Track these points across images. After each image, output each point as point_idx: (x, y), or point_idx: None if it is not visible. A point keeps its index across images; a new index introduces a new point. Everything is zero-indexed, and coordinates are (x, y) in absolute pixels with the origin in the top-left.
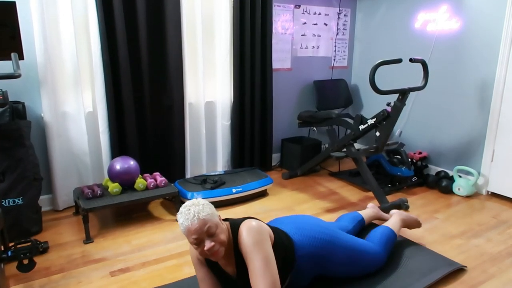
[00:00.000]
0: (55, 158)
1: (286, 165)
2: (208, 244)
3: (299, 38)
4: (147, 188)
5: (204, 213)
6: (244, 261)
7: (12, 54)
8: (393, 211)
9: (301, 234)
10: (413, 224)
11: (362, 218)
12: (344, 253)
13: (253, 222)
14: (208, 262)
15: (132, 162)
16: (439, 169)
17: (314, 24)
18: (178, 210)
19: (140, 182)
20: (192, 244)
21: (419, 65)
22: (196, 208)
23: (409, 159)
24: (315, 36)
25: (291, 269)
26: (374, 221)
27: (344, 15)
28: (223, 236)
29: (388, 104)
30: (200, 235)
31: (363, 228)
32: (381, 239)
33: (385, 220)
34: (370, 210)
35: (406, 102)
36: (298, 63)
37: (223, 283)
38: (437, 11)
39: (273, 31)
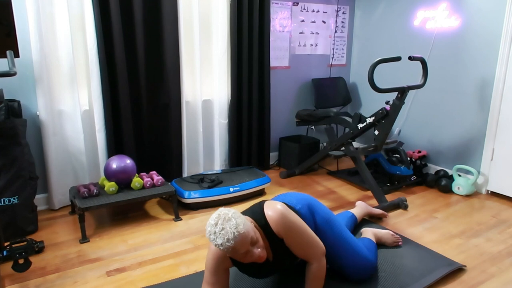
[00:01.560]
0: (51, 157)
1: (284, 164)
2: (256, 252)
3: (297, 35)
4: (143, 187)
5: (241, 226)
6: (279, 243)
7: (7, 52)
8: (359, 203)
9: (301, 204)
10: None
11: (353, 215)
12: (339, 234)
13: (277, 205)
14: (236, 263)
15: (128, 161)
16: (439, 168)
17: (312, 22)
18: (175, 209)
19: (136, 181)
20: (240, 257)
21: (418, 63)
22: (230, 223)
23: (408, 158)
24: (313, 33)
25: None
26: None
27: (343, 13)
28: (260, 237)
29: (387, 103)
30: (246, 248)
31: (356, 225)
32: (368, 247)
33: (375, 215)
34: (359, 208)
35: (405, 101)
36: (296, 61)
37: (253, 274)
38: (437, 9)
39: (271, 28)
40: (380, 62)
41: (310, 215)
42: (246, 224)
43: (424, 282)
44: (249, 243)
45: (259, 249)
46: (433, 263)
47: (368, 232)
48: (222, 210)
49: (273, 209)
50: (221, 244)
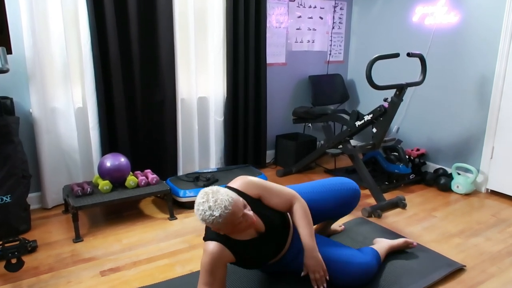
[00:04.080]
0: (44, 155)
1: (280, 162)
2: (250, 213)
3: (294, 32)
4: (138, 185)
5: (230, 192)
6: (259, 205)
7: (0, 49)
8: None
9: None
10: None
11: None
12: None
13: (247, 177)
14: (236, 250)
15: (122, 159)
16: (437, 166)
17: (309, 18)
18: (170, 208)
19: (131, 180)
20: (238, 224)
21: (417, 60)
22: (220, 193)
23: (407, 156)
24: (310, 30)
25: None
26: None
27: (340, 9)
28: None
29: (385, 100)
30: (242, 210)
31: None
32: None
33: (398, 247)
34: (379, 244)
35: (403, 98)
36: (293, 58)
37: (259, 258)
38: (435, 4)
39: (267, 24)
40: (378, 58)
41: None
42: (231, 191)
43: (424, 282)
44: (243, 205)
45: (251, 211)
46: (432, 263)
47: (380, 243)
48: (206, 189)
49: (236, 181)
50: (219, 215)
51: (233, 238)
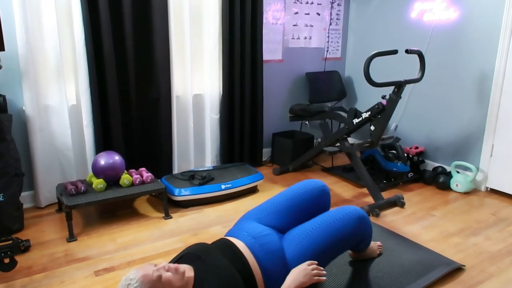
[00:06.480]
0: (37, 153)
1: (277, 161)
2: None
3: (291, 28)
4: (132, 184)
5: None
6: None
7: None
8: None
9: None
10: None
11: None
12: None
13: None
14: None
15: (117, 157)
16: (436, 164)
17: (306, 14)
18: (165, 207)
19: (125, 178)
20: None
21: (416, 57)
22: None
23: (405, 154)
24: (307, 26)
25: None
26: None
27: (338, 5)
28: None
29: (383, 97)
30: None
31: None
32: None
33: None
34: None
35: (402, 95)
36: (289, 55)
37: None
38: (434, 0)
39: (264, 21)
40: (376, 55)
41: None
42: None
43: (422, 282)
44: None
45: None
46: (431, 263)
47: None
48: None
49: None
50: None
51: None
